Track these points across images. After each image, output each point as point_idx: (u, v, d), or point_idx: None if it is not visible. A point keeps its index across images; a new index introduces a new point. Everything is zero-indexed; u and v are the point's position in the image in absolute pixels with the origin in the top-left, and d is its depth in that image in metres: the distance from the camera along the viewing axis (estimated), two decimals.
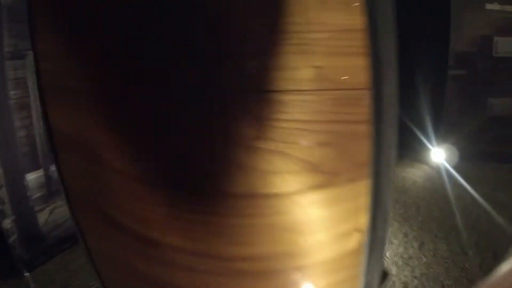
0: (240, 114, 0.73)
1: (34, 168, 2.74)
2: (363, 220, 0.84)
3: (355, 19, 0.72)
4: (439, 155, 4.44)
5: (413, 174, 4.26)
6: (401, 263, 2.42)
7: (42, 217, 2.70)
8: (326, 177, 0.80)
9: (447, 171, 4.17)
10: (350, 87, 0.75)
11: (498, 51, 4.89)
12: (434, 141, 4.59)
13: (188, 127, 0.77)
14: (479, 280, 2.16)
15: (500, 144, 4.90)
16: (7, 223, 2.37)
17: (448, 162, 4.35)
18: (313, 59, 0.72)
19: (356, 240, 0.87)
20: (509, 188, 3.66)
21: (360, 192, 0.83)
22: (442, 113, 4.82)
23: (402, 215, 3.11)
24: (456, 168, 4.11)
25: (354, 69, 0.75)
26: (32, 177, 2.71)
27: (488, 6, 4.75)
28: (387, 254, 2.49)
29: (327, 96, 0.75)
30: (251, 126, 0.73)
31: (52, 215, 2.77)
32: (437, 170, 4.27)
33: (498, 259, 2.35)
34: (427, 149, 4.58)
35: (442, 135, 4.63)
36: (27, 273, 2.38)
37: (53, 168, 2.82)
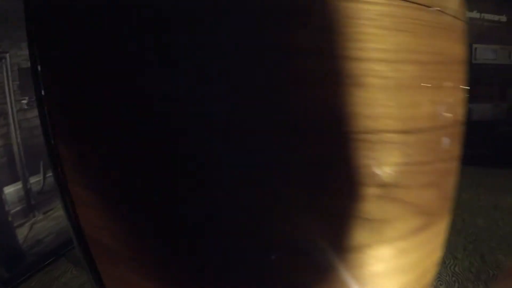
0: (355, 159, 0.62)
1: (13, 180, 2.59)
2: (440, 254, 0.80)
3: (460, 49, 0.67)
4: None
5: None
6: None
7: (21, 233, 2.54)
8: (428, 218, 0.74)
9: None
10: (452, 122, 0.70)
11: (477, 58, 5.03)
12: None
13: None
14: (469, 284, 2.18)
15: (479, 148, 5.04)
16: None
17: None
18: (431, 94, 0.66)
19: (432, 275, 0.82)
20: (489, 190, 3.75)
21: (444, 228, 0.78)
22: None
23: None
24: None
25: (456, 103, 0.71)
26: (11, 190, 2.56)
27: (468, 14, 4.86)
28: None
29: (439, 133, 0.69)
30: (364, 171, 0.63)
31: (32, 230, 2.62)
32: None
33: (486, 262, 2.39)
34: None
35: None
36: None
37: (32, 180, 2.68)
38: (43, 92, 0.71)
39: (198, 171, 0.61)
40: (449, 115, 0.70)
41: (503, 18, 5.00)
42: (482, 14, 4.90)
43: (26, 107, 2.60)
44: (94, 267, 0.74)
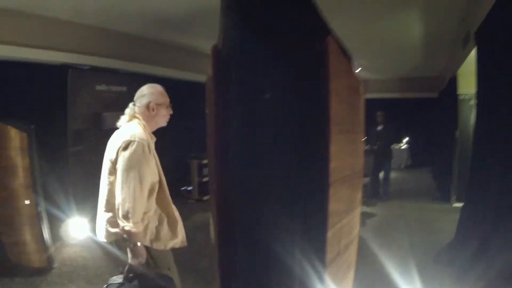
0: None
1: None
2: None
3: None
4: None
5: None
6: None
7: None
8: None
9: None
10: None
11: (107, 124, 5.54)
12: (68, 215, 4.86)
13: None
14: None
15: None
16: None
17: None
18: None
19: None
20: None
21: None
22: (69, 187, 4.93)
23: None
24: None
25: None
26: None
27: (98, 87, 5.32)
28: None
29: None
30: None
31: None
32: None
33: None
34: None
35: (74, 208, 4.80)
36: None
37: None
38: None
39: None
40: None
41: (124, 89, 5.77)
42: (109, 87, 5.48)
43: None
44: None
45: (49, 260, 3.88)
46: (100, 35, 5.46)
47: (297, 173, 1.33)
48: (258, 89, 1.39)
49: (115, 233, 2.10)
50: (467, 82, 5.70)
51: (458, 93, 6.25)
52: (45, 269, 3.81)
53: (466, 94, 6.20)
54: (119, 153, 2.05)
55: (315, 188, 1.32)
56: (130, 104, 2.24)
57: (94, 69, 5.44)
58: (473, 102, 5.96)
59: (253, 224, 1.37)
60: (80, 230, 4.70)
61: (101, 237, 2.19)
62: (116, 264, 3.88)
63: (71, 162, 5.10)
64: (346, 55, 1.61)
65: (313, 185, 1.32)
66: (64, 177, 5.07)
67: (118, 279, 2.10)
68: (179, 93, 7.12)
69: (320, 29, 1.49)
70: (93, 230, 4.76)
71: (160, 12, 4.79)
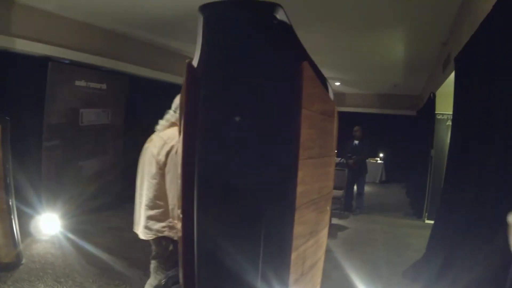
0: None
1: None
2: None
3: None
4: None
5: None
6: None
7: None
8: None
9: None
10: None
11: (83, 121, 5.48)
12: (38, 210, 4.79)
13: None
14: None
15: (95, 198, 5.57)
16: None
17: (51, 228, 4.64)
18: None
19: None
20: None
21: None
22: (41, 182, 4.88)
23: None
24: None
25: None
26: None
27: (77, 83, 5.24)
28: None
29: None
30: None
31: None
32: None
33: None
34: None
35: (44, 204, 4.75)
36: None
37: None
38: None
39: None
40: None
41: (104, 86, 5.72)
42: (88, 83, 5.41)
43: None
44: None
45: (18, 256, 3.79)
46: (84, 30, 5.40)
47: (263, 196, 1.34)
48: (225, 112, 1.40)
49: (158, 230, 2.19)
50: (445, 103, 5.84)
51: (435, 112, 6.41)
52: (13, 265, 3.71)
53: (444, 114, 6.36)
54: (170, 157, 2.15)
55: (281, 211, 1.33)
56: (171, 111, 2.29)
57: (75, 64, 5.36)
58: (449, 122, 6.12)
59: (214, 246, 1.38)
60: (51, 226, 4.62)
61: (142, 234, 2.26)
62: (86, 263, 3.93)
63: (44, 157, 5.00)
64: (321, 78, 1.63)
65: (279, 209, 1.34)
66: (36, 171, 4.97)
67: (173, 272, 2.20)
68: (158, 94, 7.10)
69: (295, 53, 1.52)
70: (64, 226, 4.80)
71: (147, 13, 4.77)
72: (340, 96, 11.78)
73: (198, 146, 1.41)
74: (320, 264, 1.81)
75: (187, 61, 1.52)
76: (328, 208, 1.73)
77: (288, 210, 1.34)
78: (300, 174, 1.34)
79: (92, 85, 5.63)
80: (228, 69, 1.45)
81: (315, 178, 1.52)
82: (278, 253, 1.39)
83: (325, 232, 1.76)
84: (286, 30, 1.50)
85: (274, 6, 1.45)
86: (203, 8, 1.53)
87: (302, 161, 1.37)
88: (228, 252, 1.34)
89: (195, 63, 1.63)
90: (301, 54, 1.54)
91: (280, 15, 1.46)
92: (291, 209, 1.34)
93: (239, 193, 1.36)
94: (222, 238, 1.41)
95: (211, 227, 1.40)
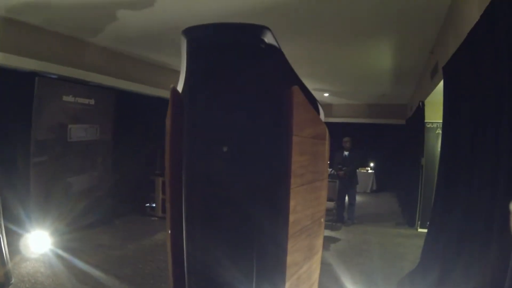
0: None
1: None
2: None
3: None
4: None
5: None
6: None
7: None
8: None
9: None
10: None
11: (72, 136, 5.41)
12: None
13: None
14: None
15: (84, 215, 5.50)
16: None
17: None
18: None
19: None
20: None
21: None
22: (29, 199, 4.81)
23: None
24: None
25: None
26: None
27: (65, 98, 5.17)
28: None
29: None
30: None
31: None
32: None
33: None
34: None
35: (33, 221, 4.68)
36: None
37: None
38: None
39: None
40: None
41: (92, 101, 5.65)
42: (76, 98, 5.35)
43: None
44: None
45: (6, 275, 3.69)
46: (71, 45, 5.35)
47: (255, 226, 1.30)
48: (210, 142, 1.36)
49: None
50: (434, 111, 5.87)
51: (425, 121, 6.44)
52: (2, 285, 3.62)
53: (433, 122, 6.40)
54: None
55: (272, 242, 1.30)
56: None
57: (62, 79, 5.30)
58: (439, 130, 6.15)
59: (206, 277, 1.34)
60: (40, 244, 4.53)
61: None
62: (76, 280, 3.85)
63: (32, 173, 4.90)
64: (311, 100, 1.60)
65: (271, 238, 1.31)
66: (25, 188, 4.88)
67: None
68: (147, 109, 7.08)
69: (284, 77, 1.48)
70: (54, 244, 4.71)
71: (135, 28, 4.75)
72: (327, 107, 11.82)
73: (183, 178, 1.36)
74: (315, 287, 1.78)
75: (171, 86, 1.48)
76: (322, 220, 1.71)
77: (280, 240, 1.30)
78: (292, 203, 1.32)
79: (80, 100, 5.56)
80: (213, 97, 1.40)
81: (307, 204, 1.49)
82: (271, 283, 1.36)
83: (318, 256, 1.73)
84: (275, 53, 1.46)
85: (262, 29, 1.37)
86: (187, 32, 1.46)
87: (294, 190, 1.34)
88: (219, 276, 1.31)
89: (180, 87, 1.58)
90: (291, 78, 1.50)
91: (268, 39, 1.39)
92: (283, 239, 1.30)
93: (230, 224, 1.32)
94: (214, 266, 1.37)
95: (200, 250, 1.37)
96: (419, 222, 6.56)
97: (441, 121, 4.14)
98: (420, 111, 6.56)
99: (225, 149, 1.32)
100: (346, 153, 7.43)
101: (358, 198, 8.16)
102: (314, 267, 1.65)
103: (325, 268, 4.34)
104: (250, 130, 1.34)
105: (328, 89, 9.31)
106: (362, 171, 11.17)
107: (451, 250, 3.03)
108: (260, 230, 1.29)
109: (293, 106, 1.34)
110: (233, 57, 1.41)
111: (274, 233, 1.31)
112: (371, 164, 11.91)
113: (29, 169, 4.88)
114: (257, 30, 1.39)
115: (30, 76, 4.84)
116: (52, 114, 5.13)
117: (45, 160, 5.08)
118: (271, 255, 1.32)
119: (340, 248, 5.70)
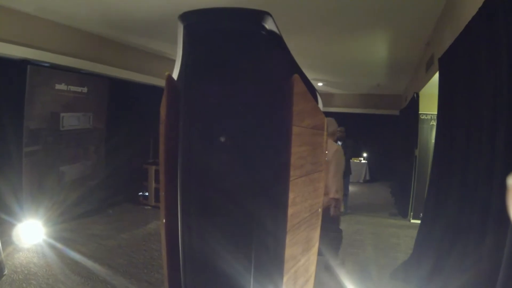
0: None
1: None
2: None
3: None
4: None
5: None
6: None
7: None
8: None
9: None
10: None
11: (64, 125, 5.34)
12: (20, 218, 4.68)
13: None
14: None
15: (77, 205, 5.47)
16: None
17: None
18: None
19: None
20: None
21: None
22: (22, 189, 4.78)
23: None
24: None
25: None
26: None
27: (57, 86, 5.09)
28: None
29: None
30: None
31: None
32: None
33: None
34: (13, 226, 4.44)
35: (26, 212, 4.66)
36: None
37: None
38: None
39: None
40: None
41: (85, 89, 5.58)
42: (69, 86, 5.27)
43: None
44: None
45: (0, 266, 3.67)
46: (63, 33, 5.25)
47: (253, 217, 1.28)
48: (207, 132, 1.31)
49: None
50: (429, 103, 5.89)
51: (419, 112, 6.46)
52: None
53: (427, 114, 6.42)
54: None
55: (271, 234, 1.28)
56: None
57: (55, 67, 5.22)
58: (433, 122, 6.18)
59: (203, 273, 1.32)
60: (33, 234, 4.49)
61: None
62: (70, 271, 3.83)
63: (25, 163, 4.84)
64: (311, 90, 1.57)
65: (270, 232, 1.28)
66: (17, 177, 4.82)
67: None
68: (140, 97, 7.01)
69: (285, 65, 1.44)
70: (47, 234, 4.68)
71: (128, 14, 4.67)
72: (329, 96, 11.80)
73: (179, 169, 1.33)
74: (312, 280, 1.77)
75: (166, 73, 1.44)
76: (320, 210, 1.69)
77: (279, 233, 1.29)
78: (291, 195, 1.29)
79: (73, 88, 5.48)
80: (210, 85, 1.35)
81: (306, 196, 1.47)
82: (268, 277, 1.34)
83: (315, 248, 1.72)
84: (275, 40, 1.42)
85: (262, 15, 1.32)
86: (184, 17, 1.40)
87: (293, 181, 1.32)
88: (217, 265, 1.29)
89: (175, 75, 1.54)
90: (292, 66, 1.47)
91: (269, 25, 1.35)
92: (282, 233, 1.28)
93: (227, 218, 1.30)
94: (212, 256, 1.35)
95: (196, 240, 1.34)
96: (412, 213, 6.61)
97: (436, 112, 4.16)
98: (414, 103, 6.57)
99: (222, 139, 1.29)
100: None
101: (351, 188, 8.18)
102: (311, 260, 1.63)
103: (319, 259, 4.35)
104: (248, 119, 1.30)
105: (322, 78, 9.28)
106: (355, 161, 11.21)
107: (445, 241, 3.06)
108: (258, 222, 1.27)
109: (293, 95, 1.31)
110: (232, 43, 1.36)
111: (272, 226, 1.29)
112: (364, 154, 11.97)
113: (21, 159, 4.82)
114: (258, 15, 1.33)
115: (22, 64, 4.75)
116: (45, 103, 5.05)
117: (38, 149, 5.02)
118: (269, 248, 1.30)
119: None
